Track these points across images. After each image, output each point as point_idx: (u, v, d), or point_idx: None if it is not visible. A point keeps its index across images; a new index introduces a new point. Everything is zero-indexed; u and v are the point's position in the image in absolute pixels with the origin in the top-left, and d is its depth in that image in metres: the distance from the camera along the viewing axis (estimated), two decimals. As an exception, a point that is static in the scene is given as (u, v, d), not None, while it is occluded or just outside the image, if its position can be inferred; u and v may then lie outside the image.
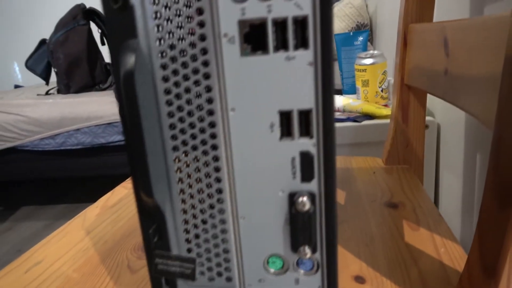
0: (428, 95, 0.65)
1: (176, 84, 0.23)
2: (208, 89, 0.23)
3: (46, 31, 2.07)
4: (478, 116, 0.38)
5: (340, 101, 0.99)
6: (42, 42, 2.01)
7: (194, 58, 0.22)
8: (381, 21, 1.42)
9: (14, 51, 3.03)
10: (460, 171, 0.75)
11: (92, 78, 1.88)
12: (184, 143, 0.24)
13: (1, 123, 1.62)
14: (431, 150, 0.87)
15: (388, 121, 0.81)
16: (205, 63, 0.22)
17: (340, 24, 1.57)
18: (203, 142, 0.24)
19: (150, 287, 0.28)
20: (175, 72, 0.23)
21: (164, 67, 0.23)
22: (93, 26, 1.94)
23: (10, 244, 1.73)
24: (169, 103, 0.23)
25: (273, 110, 0.22)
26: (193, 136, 0.24)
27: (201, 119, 0.23)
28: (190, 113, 0.23)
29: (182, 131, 0.24)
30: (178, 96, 0.23)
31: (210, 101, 0.23)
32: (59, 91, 1.92)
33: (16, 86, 2.76)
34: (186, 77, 0.23)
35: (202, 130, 0.23)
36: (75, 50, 1.82)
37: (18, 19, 2.98)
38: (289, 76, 0.22)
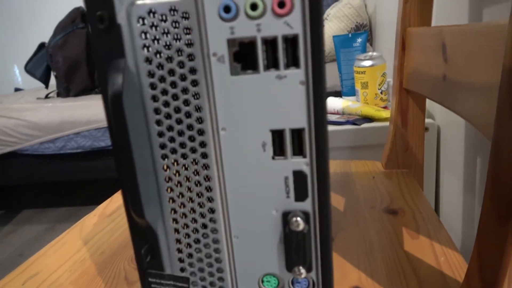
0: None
1: (166, 104, 0.22)
2: (198, 108, 0.22)
3: (46, 34, 2.07)
4: (475, 123, 0.38)
5: (339, 103, 0.99)
6: (41, 45, 2.00)
7: (183, 77, 0.22)
8: (380, 21, 1.41)
9: (14, 54, 3.03)
10: (460, 173, 0.75)
11: (92, 81, 1.88)
12: (175, 162, 0.23)
13: (1, 128, 1.62)
14: (431, 153, 0.86)
15: (387, 123, 0.80)
16: (195, 83, 0.22)
17: (339, 24, 1.56)
18: (194, 162, 0.23)
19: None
20: (164, 92, 0.22)
21: (153, 86, 0.22)
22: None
23: (12, 247, 1.73)
24: (159, 122, 0.23)
25: (265, 129, 0.22)
26: (184, 156, 0.23)
27: (192, 139, 0.23)
28: (180, 133, 0.23)
29: (173, 150, 0.23)
30: (168, 116, 0.23)
31: (200, 120, 0.22)
32: (58, 95, 1.92)
33: (17, 89, 2.76)
34: (175, 97, 0.22)
35: (193, 150, 0.23)
36: (74, 54, 1.82)
37: (18, 22, 2.98)
38: (280, 95, 0.21)
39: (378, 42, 1.48)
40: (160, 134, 0.23)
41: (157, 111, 0.23)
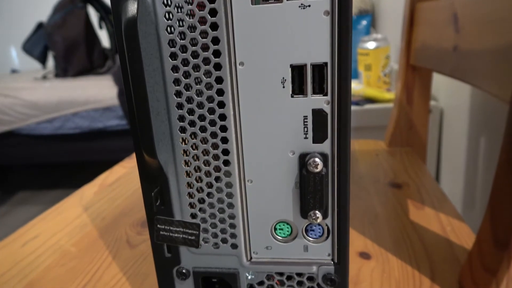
0: (433, 79, 0.63)
1: (182, 35, 0.21)
2: (216, 41, 0.21)
3: (43, 15, 2.03)
4: (490, 90, 0.37)
5: (342, 85, 0.98)
6: (40, 25, 1.97)
7: (201, 6, 0.21)
8: (383, 7, 1.39)
9: (11, 35, 2.98)
10: (463, 155, 0.75)
11: (90, 62, 1.85)
12: (189, 100, 0.22)
13: (-3, 106, 1.60)
14: (434, 135, 0.86)
15: (390, 105, 0.80)
16: (213, 12, 0.21)
17: (342, 9, 1.54)
18: (209, 99, 0.22)
19: (152, 256, 0.27)
20: (180, 22, 0.21)
21: (168, 17, 0.21)
22: (91, 10, 1.91)
23: (7, 228, 1.72)
24: (174, 56, 0.22)
25: (285, 64, 0.21)
26: (199, 93, 0.22)
27: (207, 74, 0.22)
28: (195, 67, 0.22)
29: (187, 87, 0.22)
30: (183, 49, 0.22)
31: (217, 54, 0.21)
32: (56, 75, 1.89)
33: (13, 71, 2.73)
34: (192, 28, 0.21)
35: (209, 86, 0.22)
36: (73, 34, 1.79)
37: (15, 3, 2.93)
38: (303, 27, 0.20)
39: (381, 28, 1.47)
40: (175, 69, 0.22)
41: (172, 43, 0.22)
